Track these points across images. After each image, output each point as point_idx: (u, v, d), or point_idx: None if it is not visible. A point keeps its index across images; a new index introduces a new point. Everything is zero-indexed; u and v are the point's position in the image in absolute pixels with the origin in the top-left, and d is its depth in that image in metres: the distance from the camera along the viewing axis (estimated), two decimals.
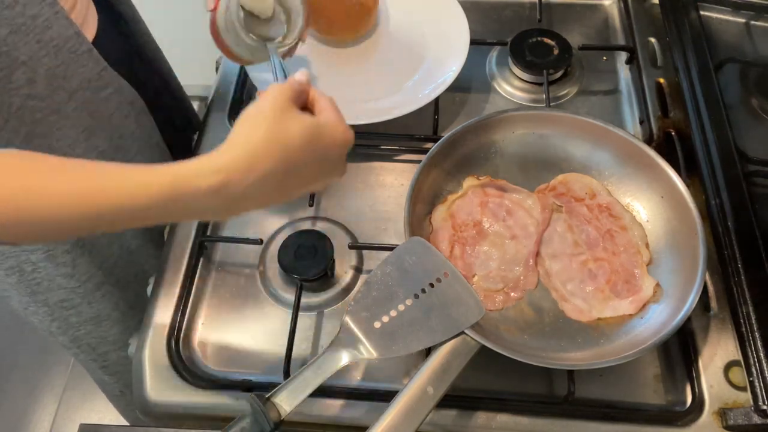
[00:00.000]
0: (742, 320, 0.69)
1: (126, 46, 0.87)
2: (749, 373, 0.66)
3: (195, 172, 0.48)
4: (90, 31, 0.76)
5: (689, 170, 0.81)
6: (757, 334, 0.67)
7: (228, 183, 0.48)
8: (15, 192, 0.47)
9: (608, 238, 0.73)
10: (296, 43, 0.75)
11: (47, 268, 0.82)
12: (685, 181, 0.71)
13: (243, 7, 0.70)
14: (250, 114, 0.52)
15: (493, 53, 0.97)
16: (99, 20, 0.78)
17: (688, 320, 0.68)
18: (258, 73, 0.89)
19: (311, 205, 0.82)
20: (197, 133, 0.92)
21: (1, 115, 0.67)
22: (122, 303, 0.97)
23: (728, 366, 0.68)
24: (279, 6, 0.73)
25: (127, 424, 1.31)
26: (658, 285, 0.69)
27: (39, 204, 0.47)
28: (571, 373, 0.67)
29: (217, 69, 1.01)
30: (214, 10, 0.73)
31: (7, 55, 0.64)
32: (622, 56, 0.96)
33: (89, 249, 0.85)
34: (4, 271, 0.81)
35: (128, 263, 0.95)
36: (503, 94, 0.93)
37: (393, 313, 0.61)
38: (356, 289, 0.77)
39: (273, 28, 0.73)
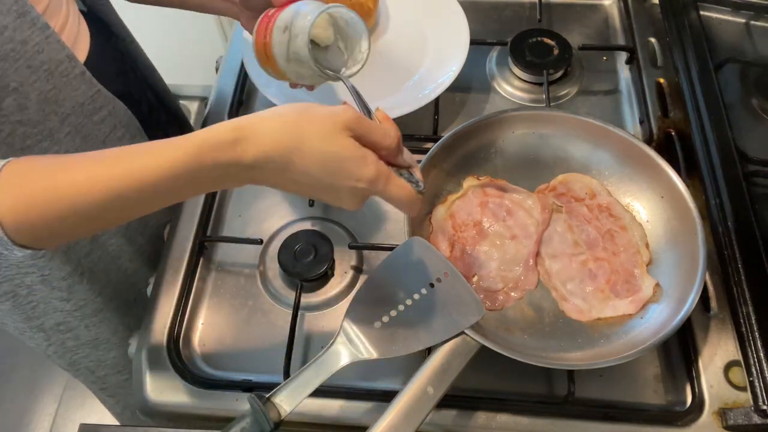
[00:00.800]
0: (742, 320, 0.69)
1: (120, 63, 0.85)
2: (749, 373, 0.66)
3: (216, 130, 0.50)
4: (82, 49, 0.75)
5: (689, 170, 0.81)
6: (757, 334, 0.67)
7: (242, 139, 0.50)
8: (37, 191, 0.48)
9: (608, 238, 0.73)
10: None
11: (42, 291, 0.80)
12: (685, 181, 0.71)
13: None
14: (301, 106, 0.53)
15: (493, 53, 0.97)
16: (92, 37, 0.77)
17: (688, 320, 0.68)
18: (257, 71, 0.89)
19: (311, 205, 0.82)
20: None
21: None
22: (121, 328, 0.94)
23: (728, 366, 0.68)
24: (336, 33, 0.72)
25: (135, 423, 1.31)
26: (657, 285, 0.69)
27: (64, 195, 0.48)
28: (571, 373, 0.67)
29: (217, 69, 1.01)
30: (259, 36, 0.70)
31: None
32: (622, 56, 0.96)
33: (87, 275, 0.83)
34: None
35: (126, 287, 0.92)
36: (503, 94, 0.93)
37: (393, 313, 0.61)
38: (356, 289, 0.77)
39: (331, 54, 0.72)
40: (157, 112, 0.93)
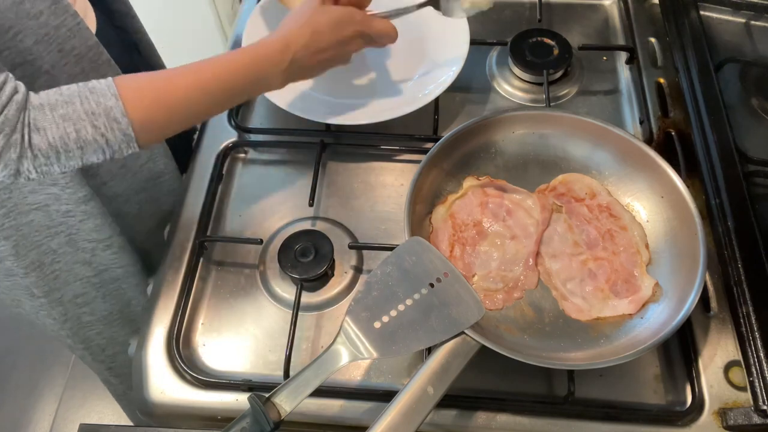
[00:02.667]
0: (742, 320, 0.69)
1: (124, 40, 0.88)
2: (749, 373, 0.66)
3: (266, 43, 0.69)
4: (90, 25, 0.77)
5: (689, 170, 0.81)
6: (757, 334, 0.67)
7: (288, 45, 0.69)
8: (159, 96, 0.62)
9: (608, 238, 0.73)
10: None
11: (67, 255, 0.85)
12: (685, 181, 0.71)
13: None
14: (294, 11, 0.73)
15: (493, 53, 0.97)
16: (96, 16, 0.79)
17: (688, 320, 0.68)
18: None
19: (311, 205, 0.82)
20: (197, 132, 0.92)
21: None
22: (134, 303, 0.98)
23: (728, 366, 0.68)
24: None
25: (131, 423, 1.32)
26: (657, 285, 0.69)
27: (177, 96, 0.64)
28: (571, 373, 0.67)
29: None
30: None
31: (31, 64, 0.66)
32: (622, 56, 0.96)
33: (114, 246, 0.88)
34: (24, 270, 0.82)
35: (141, 265, 0.97)
36: (503, 94, 0.93)
37: (393, 313, 0.61)
38: (356, 289, 0.77)
39: None
40: None
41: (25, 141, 0.57)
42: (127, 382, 1.12)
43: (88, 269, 0.89)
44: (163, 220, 0.97)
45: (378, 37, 0.76)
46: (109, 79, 0.60)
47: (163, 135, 0.66)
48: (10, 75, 0.57)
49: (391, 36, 0.77)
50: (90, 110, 0.58)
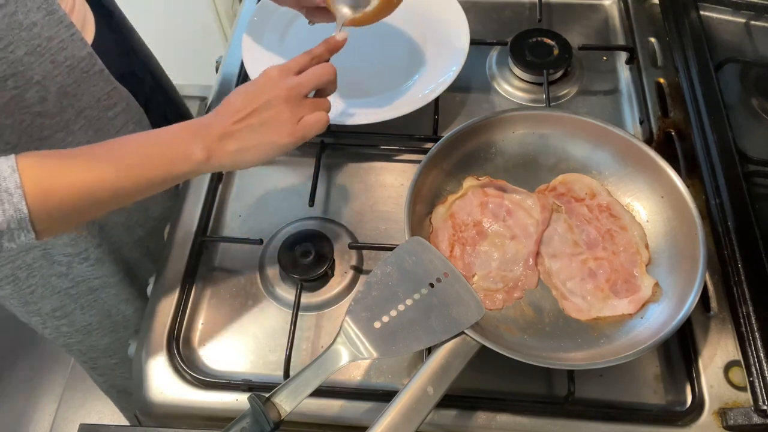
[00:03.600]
0: (742, 320, 0.69)
1: (121, 44, 0.88)
2: (749, 373, 0.66)
3: (189, 151, 0.61)
4: (89, 31, 0.77)
5: (689, 170, 0.81)
6: (757, 334, 0.67)
7: (196, 121, 0.63)
8: (58, 186, 0.55)
9: (608, 238, 0.73)
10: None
11: (43, 268, 0.83)
12: (685, 181, 0.71)
13: None
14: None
15: (493, 53, 0.97)
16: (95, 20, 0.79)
17: (688, 320, 0.68)
18: (256, 71, 0.89)
19: (311, 205, 0.82)
20: None
21: (14, 133, 0.68)
22: (113, 312, 0.96)
23: (728, 366, 0.68)
24: None
25: (123, 419, 1.32)
26: (657, 285, 0.69)
27: (80, 191, 0.56)
28: (571, 373, 0.67)
29: (217, 69, 1.01)
30: None
31: (22, 75, 0.66)
32: (622, 56, 0.96)
33: (89, 252, 0.85)
34: None
35: (124, 274, 0.95)
36: (503, 94, 0.93)
37: (393, 313, 0.61)
38: (356, 289, 0.77)
39: None
40: (156, 93, 0.95)
41: None
42: (109, 381, 1.13)
43: (65, 281, 0.87)
44: (152, 228, 0.96)
45: (308, 80, 0.66)
46: (11, 156, 0.54)
47: (68, 226, 0.59)
48: None
49: (327, 74, 0.67)
50: None
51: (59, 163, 0.56)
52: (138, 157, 0.59)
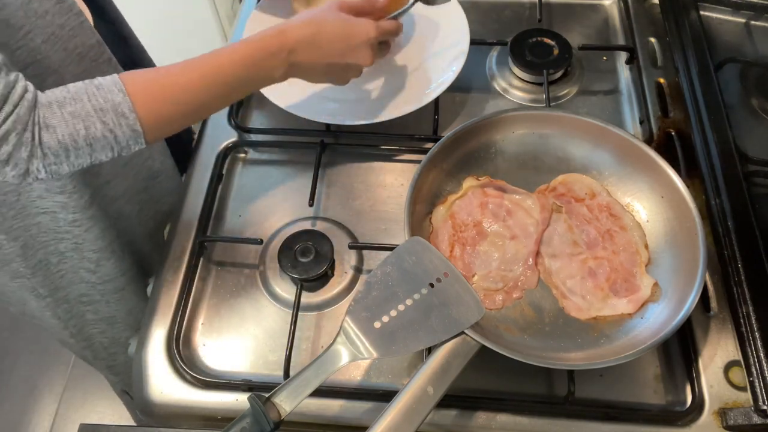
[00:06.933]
0: (742, 320, 0.69)
1: (115, 33, 0.89)
2: (749, 373, 0.66)
3: (264, 33, 0.69)
4: (89, 21, 0.77)
5: (689, 170, 0.81)
6: (757, 334, 0.67)
7: (284, 33, 0.69)
8: (164, 92, 0.63)
9: (608, 238, 0.73)
10: None
11: (73, 259, 0.85)
12: (685, 181, 0.71)
13: None
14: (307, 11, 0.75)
15: (493, 53, 0.97)
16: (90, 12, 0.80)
17: (688, 320, 0.68)
18: None
19: (311, 205, 0.82)
20: (198, 132, 0.92)
21: None
22: (136, 310, 0.98)
23: (728, 366, 0.68)
24: None
25: (131, 421, 1.32)
26: (656, 285, 0.69)
27: (180, 91, 0.64)
28: (571, 373, 0.67)
29: None
30: None
31: (40, 63, 0.67)
32: (622, 56, 0.96)
33: (116, 254, 0.88)
34: (31, 270, 0.82)
35: (145, 272, 0.98)
36: (503, 94, 0.93)
37: (393, 313, 0.61)
38: (356, 289, 0.77)
39: None
40: None
41: (36, 139, 0.57)
42: (124, 381, 1.13)
43: (92, 276, 0.89)
44: (161, 222, 0.98)
45: (386, 35, 0.77)
46: (115, 75, 0.61)
47: (170, 130, 0.66)
48: (21, 74, 0.58)
49: (398, 31, 0.79)
50: (98, 107, 0.58)
51: (161, 82, 0.63)
52: (232, 60, 0.66)
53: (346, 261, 0.78)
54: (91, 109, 0.58)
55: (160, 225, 0.98)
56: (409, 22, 0.96)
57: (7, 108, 0.55)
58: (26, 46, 0.65)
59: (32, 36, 0.65)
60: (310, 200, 0.82)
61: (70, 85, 0.59)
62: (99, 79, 0.60)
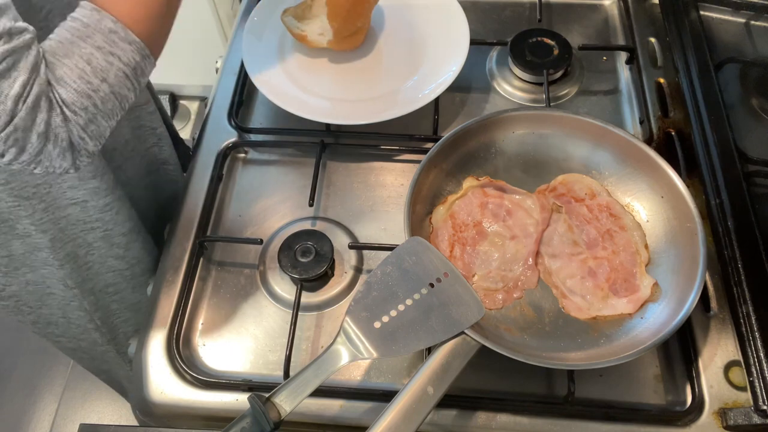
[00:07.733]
0: (742, 320, 0.69)
1: None
2: (749, 373, 0.66)
3: None
4: None
5: (689, 170, 0.81)
6: (757, 334, 0.67)
7: None
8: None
9: (608, 238, 0.73)
10: None
11: (101, 249, 0.86)
12: (685, 181, 0.71)
13: None
14: None
15: (493, 53, 0.97)
16: None
17: (688, 320, 0.68)
18: (256, 71, 0.89)
19: (311, 205, 0.82)
20: (198, 132, 0.92)
21: None
22: None
23: (728, 366, 0.68)
24: None
25: (135, 422, 1.32)
26: (656, 285, 0.69)
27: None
28: (571, 373, 0.67)
29: (217, 69, 1.01)
30: None
31: None
32: (622, 56, 0.96)
33: (142, 234, 0.90)
34: (59, 261, 0.82)
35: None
36: (503, 94, 0.93)
37: (393, 313, 0.61)
38: (356, 289, 0.77)
39: None
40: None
41: (58, 100, 0.54)
42: None
43: (121, 263, 0.91)
44: (162, 209, 1.00)
45: None
46: (81, 2, 0.58)
47: (164, 30, 0.63)
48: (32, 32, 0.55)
49: None
50: (84, 35, 0.56)
51: None
52: None
53: (346, 261, 0.78)
54: (78, 41, 0.55)
55: (159, 214, 1.00)
56: (410, 22, 0.96)
57: (33, 74, 0.52)
58: (47, 27, 0.63)
59: (52, 17, 0.64)
60: (310, 200, 0.82)
61: (52, 35, 0.57)
62: (70, 15, 0.57)
